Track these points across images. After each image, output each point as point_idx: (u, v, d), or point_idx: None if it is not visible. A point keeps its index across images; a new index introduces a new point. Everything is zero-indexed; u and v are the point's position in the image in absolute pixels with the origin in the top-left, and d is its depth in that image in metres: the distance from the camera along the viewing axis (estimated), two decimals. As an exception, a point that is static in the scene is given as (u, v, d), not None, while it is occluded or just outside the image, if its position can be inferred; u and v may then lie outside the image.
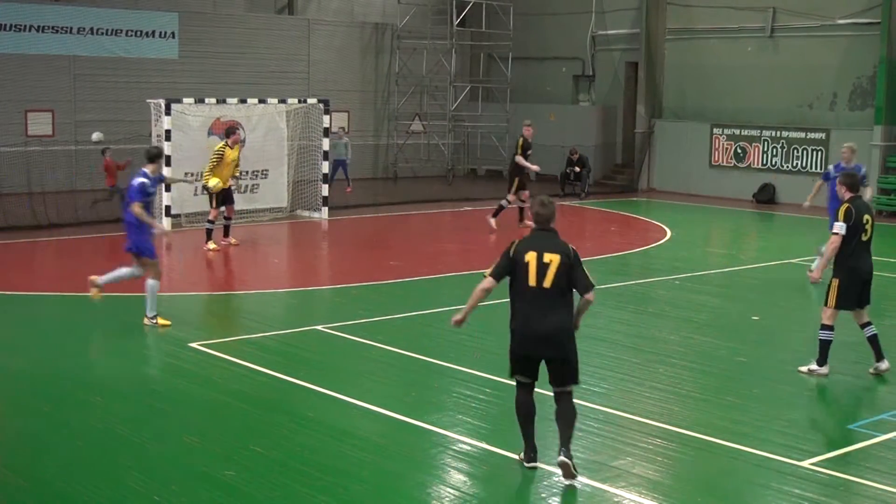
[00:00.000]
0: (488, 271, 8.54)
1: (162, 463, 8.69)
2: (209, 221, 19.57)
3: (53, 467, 8.53)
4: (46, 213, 22.05)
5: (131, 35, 28.63)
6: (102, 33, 28.17)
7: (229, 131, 19.73)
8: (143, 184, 13.08)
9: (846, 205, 11.32)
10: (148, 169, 13.28)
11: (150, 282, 13.17)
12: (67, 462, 8.66)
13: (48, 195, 23.40)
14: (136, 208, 12.90)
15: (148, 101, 23.12)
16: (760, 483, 8.57)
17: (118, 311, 14.34)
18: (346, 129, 31.37)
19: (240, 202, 23.42)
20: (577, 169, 29.89)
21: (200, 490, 8.05)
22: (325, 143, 23.81)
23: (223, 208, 19.74)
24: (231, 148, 19.21)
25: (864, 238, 11.34)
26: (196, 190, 21.67)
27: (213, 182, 19.02)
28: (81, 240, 20.48)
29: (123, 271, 13.34)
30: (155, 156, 13.55)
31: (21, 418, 9.90)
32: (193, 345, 12.36)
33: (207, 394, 10.65)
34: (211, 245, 19.35)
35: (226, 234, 20.02)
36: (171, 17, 29.39)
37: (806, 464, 8.89)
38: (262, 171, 23.81)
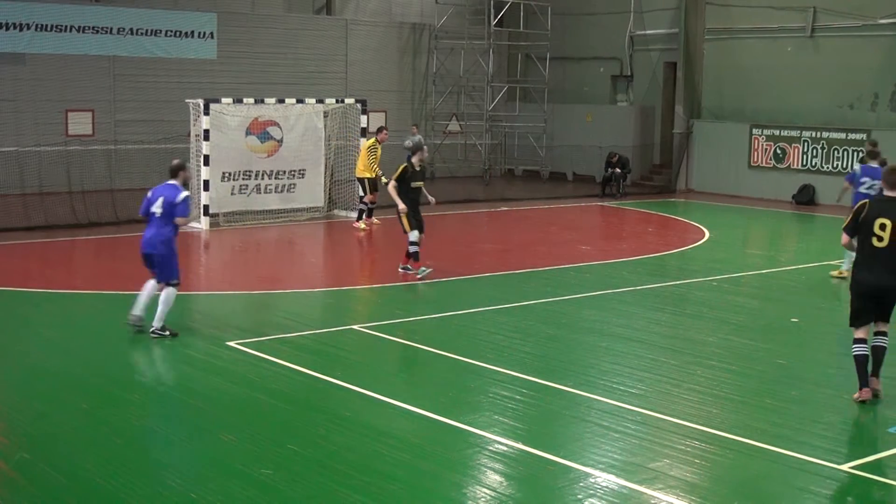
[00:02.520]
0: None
1: (199, 461, 8.73)
2: (364, 203, 22.73)
3: (92, 464, 8.59)
4: (87, 211, 22.25)
5: (170, 35, 28.85)
6: (142, 34, 28.40)
7: (380, 129, 23.02)
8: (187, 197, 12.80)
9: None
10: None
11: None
12: (106, 459, 8.72)
13: (88, 194, 23.61)
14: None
15: (187, 101, 23.31)
16: (799, 486, 8.49)
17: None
18: (417, 128, 31.72)
19: (277, 201, 23.60)
20: (618, 170, 29.77)
21: (237, 488, 8.08)
22: (363, 143, 23.85)
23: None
24: (380, 144, 22.45)
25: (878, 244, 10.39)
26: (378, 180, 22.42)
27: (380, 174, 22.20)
28: (120, 238, 20.63)
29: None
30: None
31: (60, 415, 9.98)
32: (230, 343, 12.42)
33: (244, 392, 10.69)
34: (361, 224, 22.61)
35: (369, 216, 22.92)
36: (210, 18, 29.58)
37: (845, 467, 8.80)
38: (300, 170, 23.89)
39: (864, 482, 8.53)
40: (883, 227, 10.29)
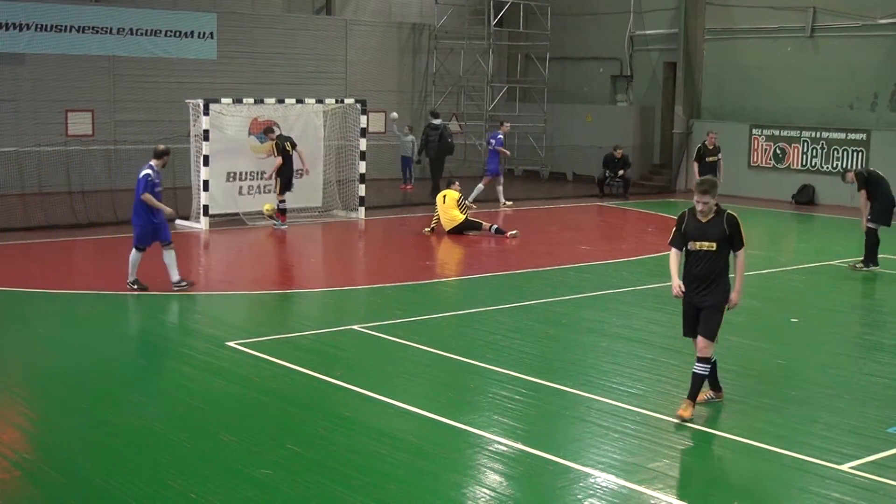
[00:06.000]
0: None
1: (199, 461, 8.73)
2: None
3: (93, 465, 8.60)
4: (86, 211, 22.24)
5: (170, 35, 28.84)
6: (142, 34, 28.39)
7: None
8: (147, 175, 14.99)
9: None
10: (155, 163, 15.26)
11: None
12: (106, 459, 8.73)
13: (88, 194, 23.61)
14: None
15: (186, 101, 23.30)
16: (799, 486, 8.50)
17: (156, 310, 14.45)
18: (411, 128, 31.50)
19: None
20: (621, 171, 29.53)
21: (237, 488, 8.08)
22: (363, 144, 23.85)
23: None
24: None
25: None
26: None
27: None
28: (120, 238, 20.61)
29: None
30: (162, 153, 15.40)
31: (61, 416, 9.99)
32: (230, 343, 12.42)
33: (244, 392, 10.69)
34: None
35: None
36: (210, 18, 29.57)
37: (845, 467, 8.80)
38: (299, 170, 23.84)
39: (864, 482, 8.52)
40: None
